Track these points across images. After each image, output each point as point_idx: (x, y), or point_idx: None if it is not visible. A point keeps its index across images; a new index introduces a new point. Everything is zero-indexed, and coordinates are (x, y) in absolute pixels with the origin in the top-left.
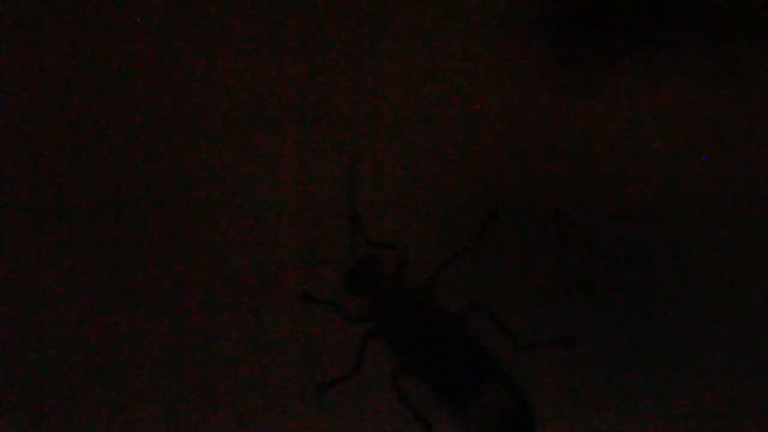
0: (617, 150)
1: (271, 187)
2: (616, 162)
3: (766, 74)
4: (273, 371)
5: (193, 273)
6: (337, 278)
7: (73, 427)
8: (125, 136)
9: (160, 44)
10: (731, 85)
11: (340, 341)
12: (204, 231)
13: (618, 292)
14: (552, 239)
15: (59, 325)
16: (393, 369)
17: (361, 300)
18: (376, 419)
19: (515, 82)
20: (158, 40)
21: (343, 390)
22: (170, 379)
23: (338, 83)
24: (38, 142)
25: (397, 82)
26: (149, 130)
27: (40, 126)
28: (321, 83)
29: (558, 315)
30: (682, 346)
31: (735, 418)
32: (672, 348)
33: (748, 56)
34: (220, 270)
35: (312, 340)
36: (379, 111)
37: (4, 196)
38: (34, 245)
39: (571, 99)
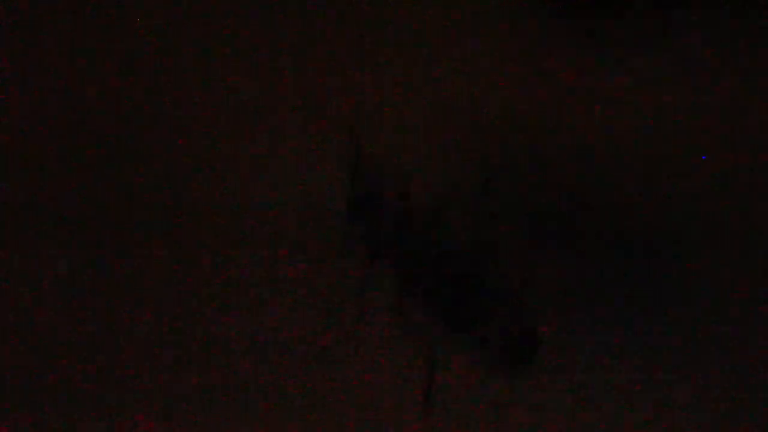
0: (617, 150)
1: (271, 187)
2: (615, 162)
3: (766, 74)
4: (273, 371)
5: (193, 273)
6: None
7: (73, 427)
8: (125, 136)
9: (160, 44)
10: (731, 85)
11: (341, 341)
12: (204, 231)
13: (618, 291)
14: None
15: (59, 325)
16: (396, 296)
17: (364, 228)
18: (376, 419)
19: (515, 82)
20: (158, 40)
21: (343, 389)
22: (170, 379)
23: (338, 83)
24: (38, 142)
25: (397, 83)
26: (149, 130)
27: (40, 126)
28: (321, 83)
29: (558, 314)
30: (682, 345)
31: (735, 418)
32: (672, 348)
33: (748, 56)
34: (220, 270)
35: (312, 339)
36: (379, 111)
37: (4, 196)
38: (34, 245)
39: (571, 99)
